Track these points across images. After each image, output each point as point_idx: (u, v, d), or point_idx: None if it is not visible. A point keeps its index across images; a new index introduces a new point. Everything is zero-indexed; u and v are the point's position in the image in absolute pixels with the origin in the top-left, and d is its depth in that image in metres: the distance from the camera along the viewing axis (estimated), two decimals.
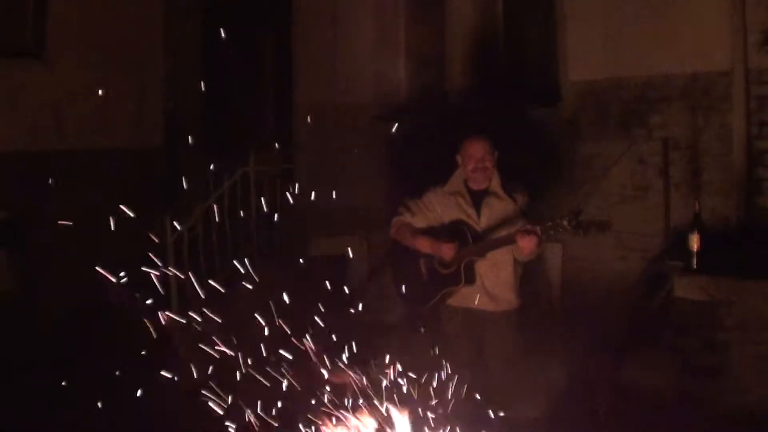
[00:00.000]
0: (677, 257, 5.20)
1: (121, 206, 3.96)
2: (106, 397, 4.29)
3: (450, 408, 3.30)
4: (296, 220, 7.26)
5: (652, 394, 4.85)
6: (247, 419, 3.28)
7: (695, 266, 5.02)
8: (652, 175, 6.10)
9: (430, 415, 3.03)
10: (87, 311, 6.24)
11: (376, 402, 3.03)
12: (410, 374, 3.17)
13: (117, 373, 4.61)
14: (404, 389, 3.11)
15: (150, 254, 4.36)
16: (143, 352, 3.83)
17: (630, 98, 6.20)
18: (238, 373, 3.63)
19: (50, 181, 6.19)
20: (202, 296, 4.37)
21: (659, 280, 5.36)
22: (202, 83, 8.28)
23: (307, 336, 3.64)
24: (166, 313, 4.17)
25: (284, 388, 3.35)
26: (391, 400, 2.96)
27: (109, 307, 6.04)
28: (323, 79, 7.63)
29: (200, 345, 3.81)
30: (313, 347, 3.51)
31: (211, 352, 3.70)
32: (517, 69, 7.00)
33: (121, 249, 4.72)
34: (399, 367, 3.24)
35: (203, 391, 3.65)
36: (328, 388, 3.18)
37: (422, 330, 4.43)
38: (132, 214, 3.94)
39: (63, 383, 4.83)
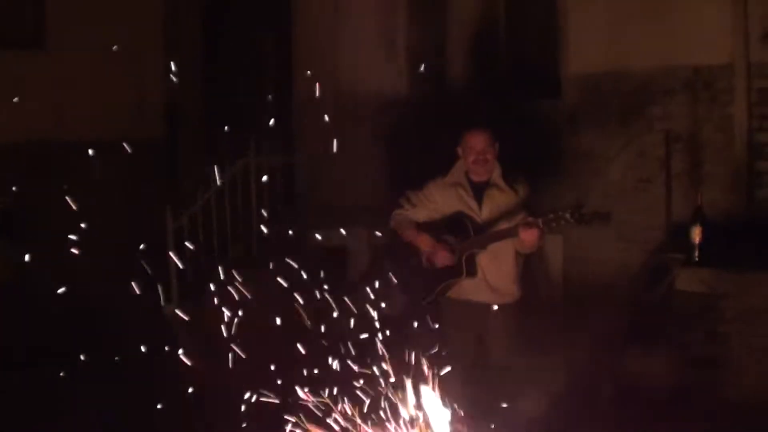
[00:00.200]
0: (678, 249, 5.20)
1: (122, 198, 3.95)
2: (105, 389, 4.29)
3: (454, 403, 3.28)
4: (296, 212, 7.26)
5: (653, 386, 4.85)
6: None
7: (696, 259, 5.02)
8: (654, 167, 6.09)
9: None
10: (85, 303, 6.23)
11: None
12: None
13: (116, 361, 4.61)
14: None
15: (150, 245, 4.36)
16: (143, 347, 3.81)
17: (632, 90, 6.19)
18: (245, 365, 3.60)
19: (49, 171, 6.18)
20: (202, 288, 4.36)
21: (660, 272, 5.35)
22: (203, 75, 8.27)
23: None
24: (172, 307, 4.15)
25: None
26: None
27: (109, 299, 6.03)
28: (324, 72, 7.61)
29: (205, 338, 3.79)
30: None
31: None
32: (519, 60, 7.00)
33: (122, 239, 4.71)
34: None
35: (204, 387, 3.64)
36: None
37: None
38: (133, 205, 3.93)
39: (61, 374, 4.83)
